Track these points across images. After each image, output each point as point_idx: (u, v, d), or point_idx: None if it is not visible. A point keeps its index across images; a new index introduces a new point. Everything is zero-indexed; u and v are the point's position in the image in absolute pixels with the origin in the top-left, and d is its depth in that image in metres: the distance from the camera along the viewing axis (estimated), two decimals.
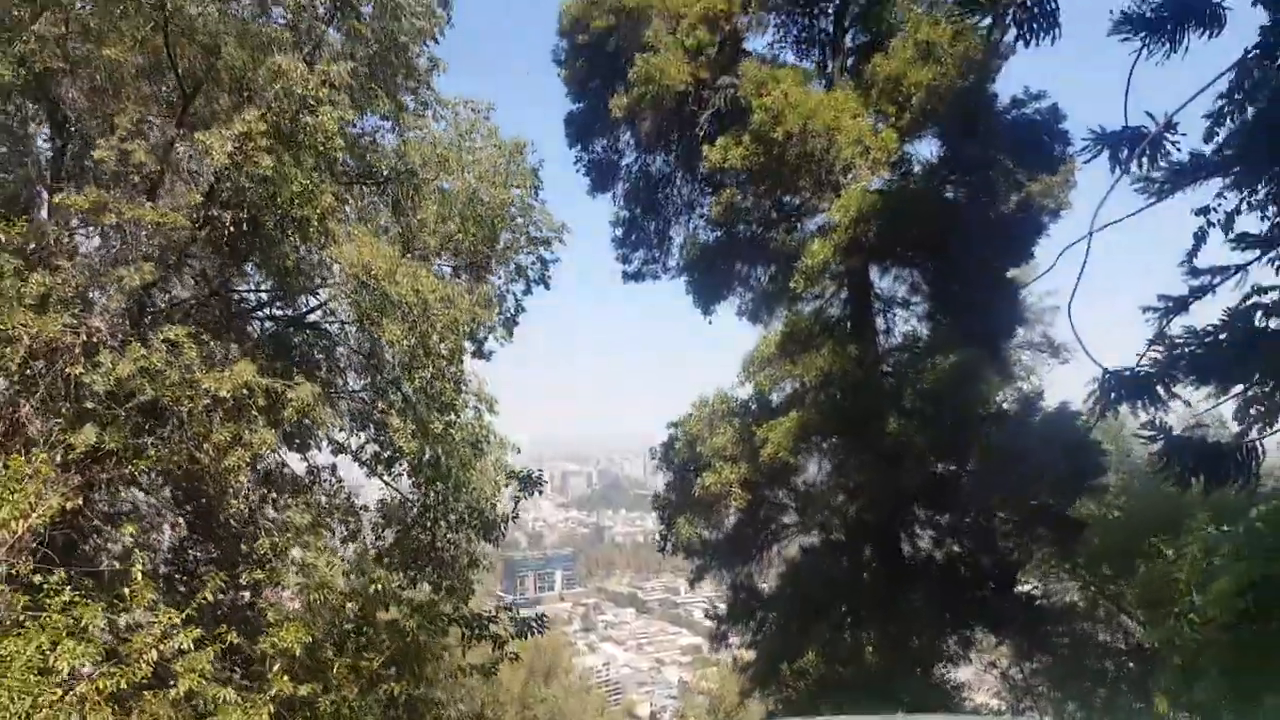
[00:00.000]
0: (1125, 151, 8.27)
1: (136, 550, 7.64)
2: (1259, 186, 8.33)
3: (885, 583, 12.90)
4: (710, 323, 15.65)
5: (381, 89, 10.97)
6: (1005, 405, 13.37)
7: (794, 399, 12.41)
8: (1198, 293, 8.47)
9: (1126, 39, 7.29)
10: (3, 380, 7.87)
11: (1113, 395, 7.86)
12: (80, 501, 7.63)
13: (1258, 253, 8.27)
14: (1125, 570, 13.96)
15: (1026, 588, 14.82)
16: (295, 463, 11.50)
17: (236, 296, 10.32)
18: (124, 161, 7.99)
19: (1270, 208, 8.41)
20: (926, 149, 13.88)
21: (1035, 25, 8.51)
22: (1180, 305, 8.53)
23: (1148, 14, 7.23)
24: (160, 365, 7.83)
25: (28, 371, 7.79)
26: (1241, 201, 8.27)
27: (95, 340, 7.91)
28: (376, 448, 11.63)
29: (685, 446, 13.24)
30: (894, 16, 13.46)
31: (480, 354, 13.15)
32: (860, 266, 13.11)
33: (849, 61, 14.67)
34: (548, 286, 13.49)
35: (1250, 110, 7.88)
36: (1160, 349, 8.17)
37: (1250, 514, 6.36)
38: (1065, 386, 18.79)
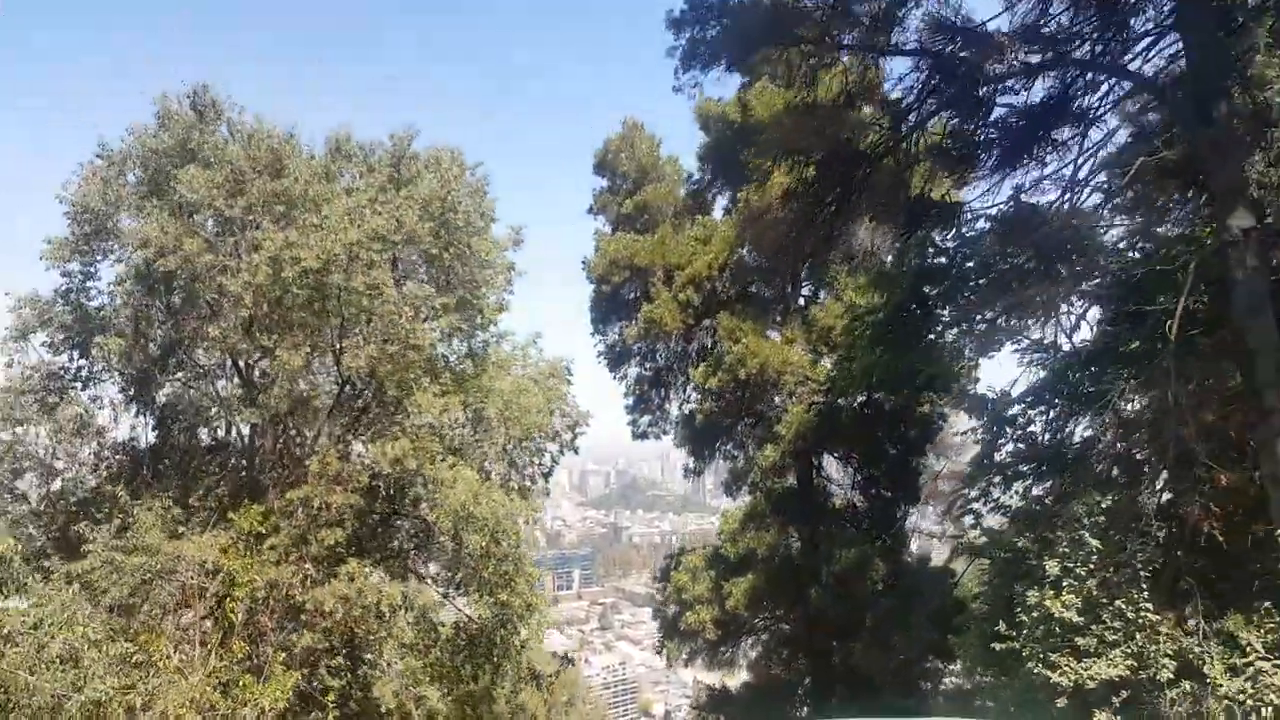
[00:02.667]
0: (973, 410, 13.43)
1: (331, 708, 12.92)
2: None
3: (818, 687, 17.97)
4: (699, 475, 20.71)
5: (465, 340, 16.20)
6: (912, 554, 18.41)
7: (752, 559, 17.47)
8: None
9: None
10: (248, 601, 13.08)
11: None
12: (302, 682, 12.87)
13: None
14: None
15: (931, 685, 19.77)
16: None
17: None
18: (323, 463, 13.18)
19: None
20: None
21: None
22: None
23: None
24: (346, 589, 13.02)
25: (267, 599, 12.99)
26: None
27: (307, 577, 13.11)
28: (449, 574, 16.82)
29: (675, 593, 18.41)
30: (829, 275, 18.43)
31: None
32: (804, 461, 18.14)
33: (803, 289, 19.68)
34: (576, 452, 18.65)
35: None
36: None
37: None
38: None
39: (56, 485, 15.19)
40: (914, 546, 18.87)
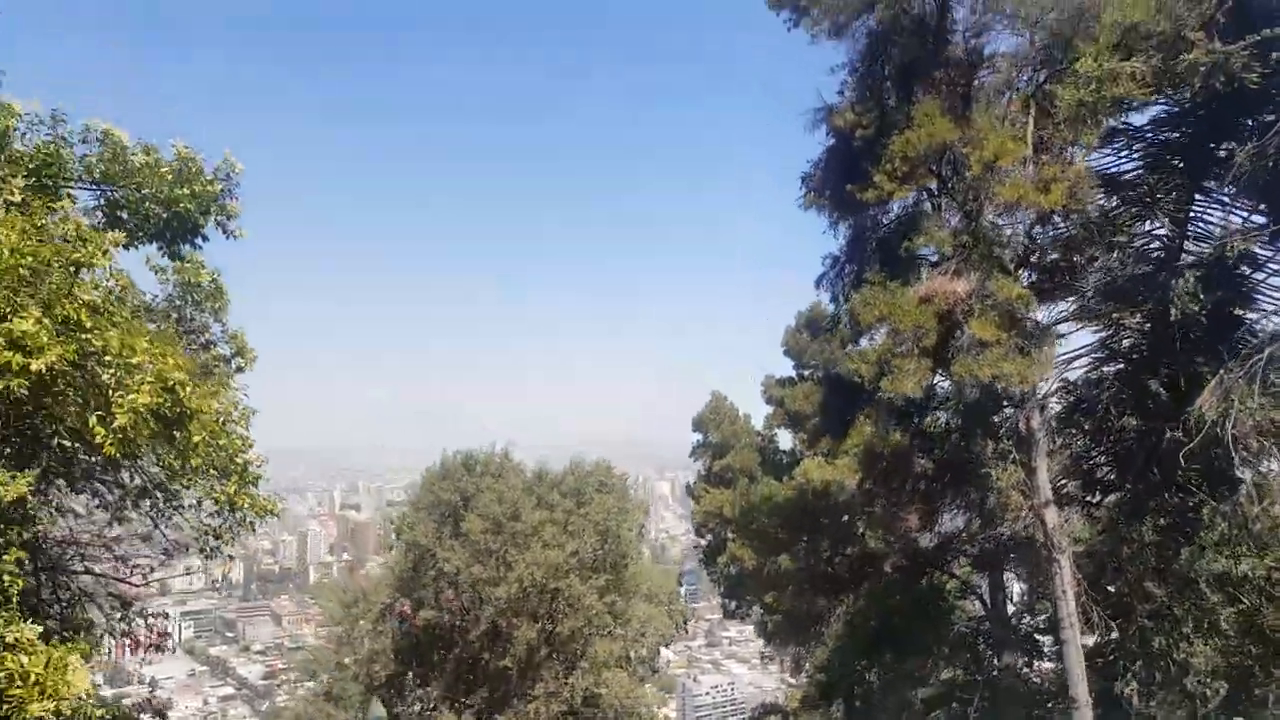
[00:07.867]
0: None
1: None
2: None
3: None
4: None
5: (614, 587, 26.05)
6: None
7: None
8: None
9: None
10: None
11: None
12: None
13: None
14: None
15: None
16: None
17: None
18: (546, 686, 23.32)
19: None
20: None
21: None
22: None
23: None
24: None
25: None
26: None
27: None
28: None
29: None
30: None
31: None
32: None
33: None
34: (687, 633, 28.42)
35: None
36: None
37: None
38: None
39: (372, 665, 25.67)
40: None
